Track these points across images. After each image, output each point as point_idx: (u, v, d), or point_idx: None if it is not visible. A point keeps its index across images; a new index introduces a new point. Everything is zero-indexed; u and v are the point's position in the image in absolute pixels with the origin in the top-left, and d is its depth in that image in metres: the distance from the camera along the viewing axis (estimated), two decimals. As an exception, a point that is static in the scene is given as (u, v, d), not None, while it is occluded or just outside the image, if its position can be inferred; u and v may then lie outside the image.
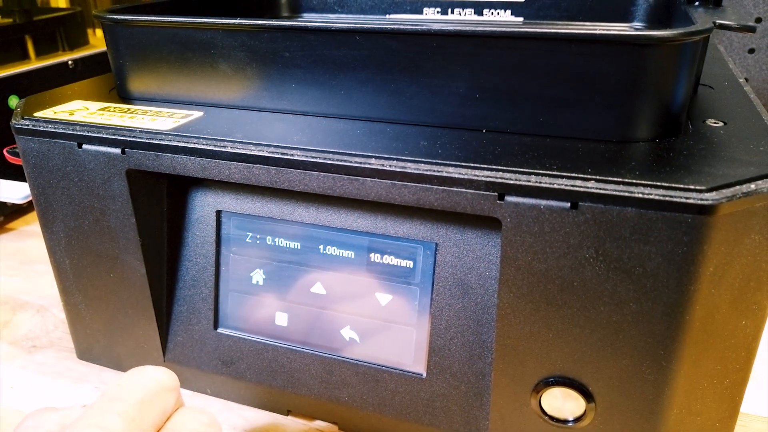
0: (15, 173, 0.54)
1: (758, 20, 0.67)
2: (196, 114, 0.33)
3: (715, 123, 0.29)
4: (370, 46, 0.29)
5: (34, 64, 0.61)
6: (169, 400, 0.24)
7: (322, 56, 0.30)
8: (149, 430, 0.23)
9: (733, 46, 0.69)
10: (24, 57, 0.61)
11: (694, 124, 0.29)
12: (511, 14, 0.47)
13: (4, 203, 0.58)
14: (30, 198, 0.35)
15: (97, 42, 0.69)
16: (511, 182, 0.24)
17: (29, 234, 0.58)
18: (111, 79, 0.38)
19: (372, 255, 0.30)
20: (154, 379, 0.24)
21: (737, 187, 0.23)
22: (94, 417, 0.22)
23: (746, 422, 0.35)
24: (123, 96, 0.36)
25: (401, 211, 0.30)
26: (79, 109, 0.34)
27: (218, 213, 0.33)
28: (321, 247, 0.31)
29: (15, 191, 0.53)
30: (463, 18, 0.49)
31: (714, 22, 0.29)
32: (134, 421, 0.22)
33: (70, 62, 0.63)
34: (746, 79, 0.70)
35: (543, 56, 0.26)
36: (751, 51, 0.69)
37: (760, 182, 0.23)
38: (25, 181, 0.34)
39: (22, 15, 0.62)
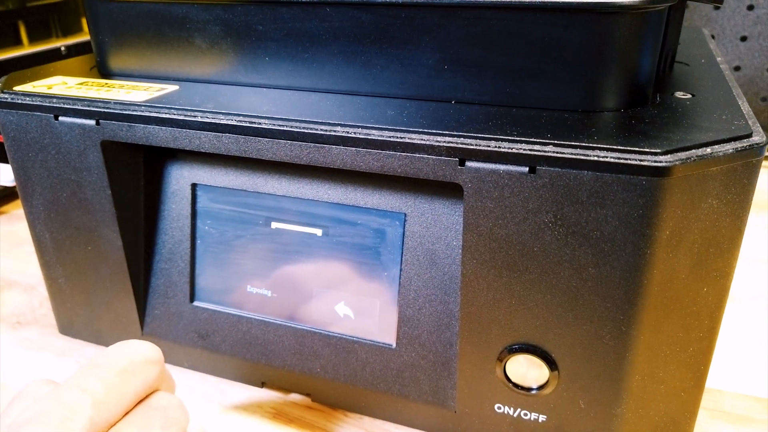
0: (4, 157, 0.54)
1: (750, 8, 0.67)
2: (171, 88, 0.33)
3: (683, 95, 0.29)
4: (340, 17, 0.29)
5: (27, 49, 0.61)
6: (151, 372, 0.25)
7: (293, 29, 0.30)
8: (130, 398, 0.24)
9: (725, 34, 0.69)
10: (17, 43, 0.62)
11: (663, 96, 0.29)
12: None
13: (-4, 187, 0.59)
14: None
15: (91, 30, 0.70)
16: (472, 147, 0.25)
17: (21, 217, 0.58)
18: (93, 58, 0.38)
19: (342, 226, 0.31)
20: (137, 351, 0.25)
21: (693, 150, 0.23)
22: (76, 379, 0.23)
23: (718, 399, 0.35)
24: (103, 73, 0.37)
25: (370, 182, 0.30)
26: (58, 84, 0.34)
27: (193, 186, 0.33)
28: (293, 218, 0.32)
29: (3, 174, 0.54)
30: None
31: (680, -7, 0.30)
32: (115, 387, 0.23)
33: (62, 48, 0.63)
34: (737, 68, 0.69)
35: (508, 25, 0.27)
36: (743, 39, 0.68)
37: (716, 147, 0.23)
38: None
39: (15, 1, 0.62)
